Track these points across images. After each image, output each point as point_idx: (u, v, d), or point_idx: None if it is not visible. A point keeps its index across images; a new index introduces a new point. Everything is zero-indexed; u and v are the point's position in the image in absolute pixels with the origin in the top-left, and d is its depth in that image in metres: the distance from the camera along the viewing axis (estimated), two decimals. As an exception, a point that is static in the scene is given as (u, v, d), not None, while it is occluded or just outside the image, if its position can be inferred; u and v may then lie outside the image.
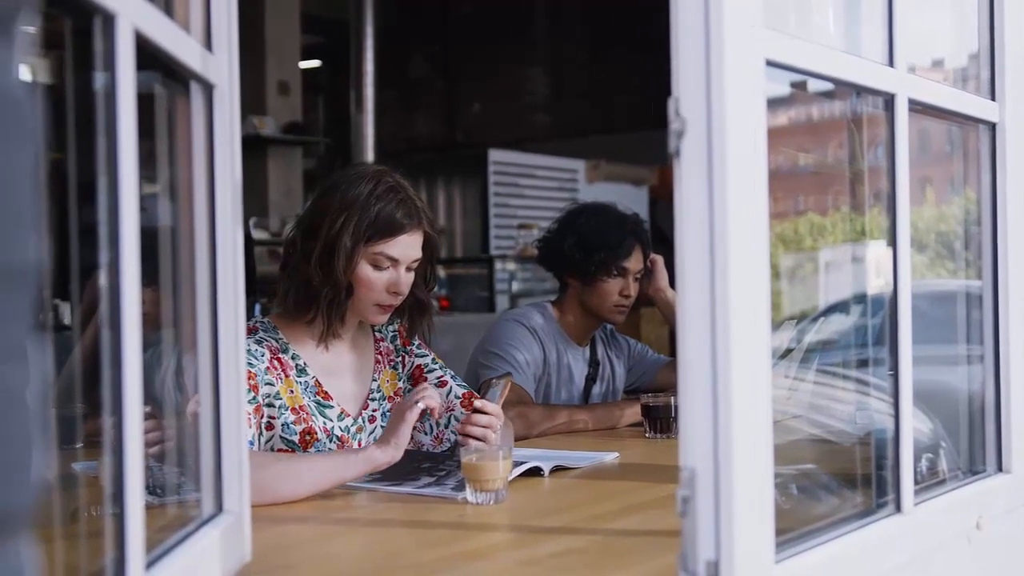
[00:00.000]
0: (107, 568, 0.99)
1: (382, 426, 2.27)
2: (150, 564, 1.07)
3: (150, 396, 1.07)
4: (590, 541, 1.60)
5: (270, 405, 2.10)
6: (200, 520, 1.30)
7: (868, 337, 1.90)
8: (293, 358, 2.19)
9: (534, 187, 8.09)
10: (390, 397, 2.32)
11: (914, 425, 1.54)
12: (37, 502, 0.55)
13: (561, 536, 1.63)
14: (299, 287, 2.16)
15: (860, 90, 1.53)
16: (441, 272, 7.57)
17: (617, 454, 2.33)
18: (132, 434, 1.00)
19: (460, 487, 1.88)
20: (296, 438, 2.13)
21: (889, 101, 1.49)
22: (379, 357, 2.34)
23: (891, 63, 1.49)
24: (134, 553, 1.00)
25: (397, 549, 1.58)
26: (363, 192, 2.13)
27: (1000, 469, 1.78)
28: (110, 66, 0.99)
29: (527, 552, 1.55)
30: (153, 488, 1.30)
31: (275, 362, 2.14)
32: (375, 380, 2.31)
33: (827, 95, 1.70)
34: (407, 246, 2.17)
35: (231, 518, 1.34)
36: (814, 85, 1.53)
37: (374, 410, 2.29)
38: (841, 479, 1.70)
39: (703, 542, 1.15)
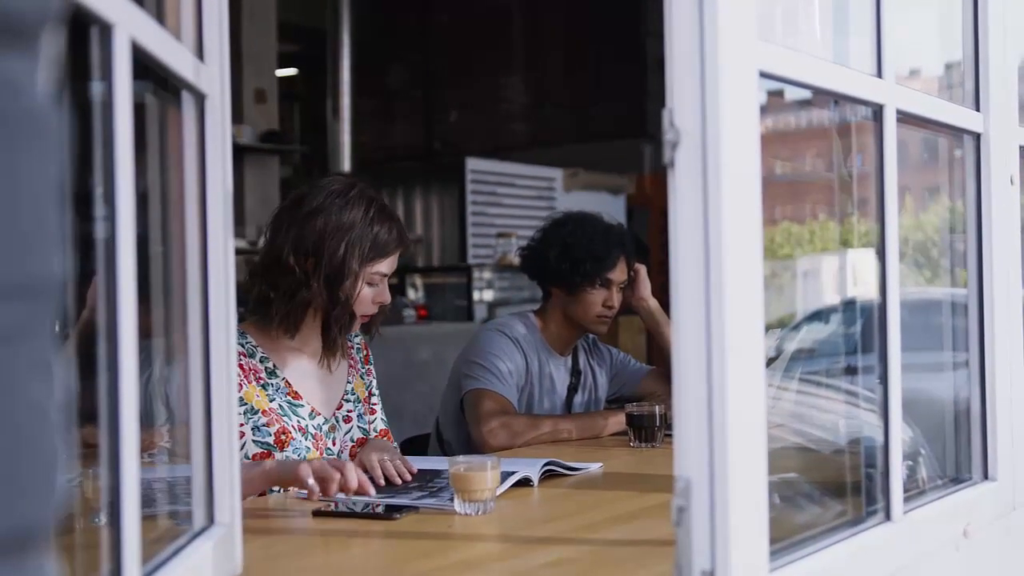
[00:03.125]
0: (103, 582, 0.99)
1: (359, 426, 2.35)
2: (145, 577, 1.06)
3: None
4: (582, 551, 1.60)
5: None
6: (192, 532, 1.29)
7: (849, 345, 1.91)
8: (262, 361, 2.23)
9: (512, 195, 8.08)
10: (364, 400, 2.40)
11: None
12: (59, 517, 0.55)
13: (552, 546, 1.62)
14: (298, 308, 2.21)
15: (850, 101, 1.54)
16: (419, 281, 7.55)
17: (601, 464, 2.33)
18: (128, 447, 0.99)
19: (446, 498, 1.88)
20: (271, 439, 2.17)
21: (878, 112, 1.50)
22: (352, 362, 2.41)
23: (879, 74, 1.50)
24: (130, 566, 0.99)
25: (389, 560, 1.58)
26: (359, 215, 2.21)
27: (986, 477, 1.79)
28: (107, 76, 0.98)
29: (520, 562, 1.54)
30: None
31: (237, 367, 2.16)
32: (349, 382, 2.38)
33: (805, 104, 1.71)
34: (395, 261, 2.29)
35: (223, 530, 1.33)
36: (791, 94, 1.53)
37: (349, 411, 2.36)
38: (829, 488, 1.71)
39: (698, 552, 1.15)
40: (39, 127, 0.54)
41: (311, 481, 1.86)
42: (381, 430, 2.41)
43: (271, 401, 2.19)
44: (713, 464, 1.14)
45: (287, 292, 2.19)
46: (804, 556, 1.31)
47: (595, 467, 2.31)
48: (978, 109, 1.80)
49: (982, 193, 1.80)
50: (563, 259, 2.94)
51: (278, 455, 2.16)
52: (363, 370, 2.44)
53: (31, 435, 0.52)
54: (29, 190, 0.53)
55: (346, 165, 8.85)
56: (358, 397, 2.39)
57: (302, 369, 2.29)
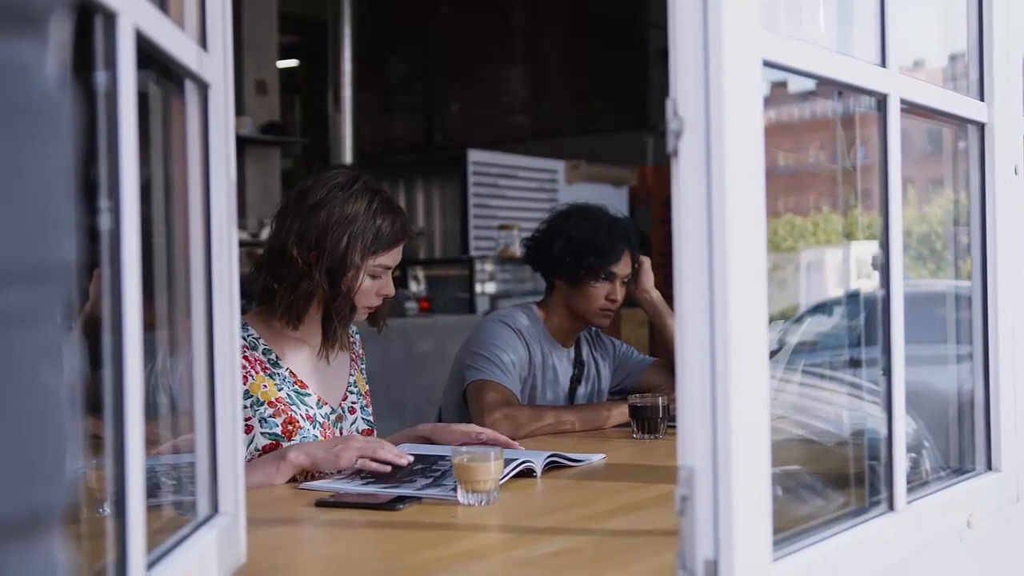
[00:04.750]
0: (108, 570, 0.99)
1: (362, 418, 2.39)
2: (150, 566, 1.06)
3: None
4: (585, 541, 1.60)
5: (242, 407, 2.13)
6: (196, 522, 1.30)
7: (853, 337, 1.91)
8: (264, 353, 2.25)
9: (514, 188, 8.08)
10: (364, 393, 2.43)
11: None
12: (70, 500, 0.55)
13: (555, 536, 1.63)
14: (301, 299, 2.22)
15: (854, 90, 1.53)
16: (421, 273, 7.56)
17: (604, 456, 2.33)
18: (133, 436, 0.99)
19: (451, 488, 1.88)
20: (278, 430, 2.19)
21: (882, 101, 1.50)
22: (353, 356, 2.43)
23: (883, 63, 1.50)
24: (135, 555, 0.99)
25: (392, 550, 1.58)
26: (361, 208, 2.22)
27: (990, 468, 1.79)
28: (111, 65, 0.98)
29: (522, 552, 1.54)
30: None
31: (242, 360, 2.17)
32: (351, 375, 2.40)
33: (808, 95, 1.71)
34: (400, 253, 2.30)
35: (227, 519, 1.33)
36: (795, 85, 1.53)
37: (352, 402, 2.39)
38: (831, 479, 1.71)
39: (702, 541, 1.15)
40: (50, 112, 0.54)
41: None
42: (364, 429, 2.41)
43: (279, 390, 2.21)
44: (716, 453, 1.14)
45: (290, 284, 2.20)
46: (807, 546, 1.31)
47: (597, 458, 2.31)
48: (983, 99, 1.80)
49: (986, 183, 1.80)
50: (567, 251, 2.94)
51: (286, 445, 2.16)
52: (361, 366, 2.47)
53: (42, 419, 0.52)
54: (41, 175, 0.53)
55: (347, 157, 8.85)
56: (360, 391, 2.42)
57: (305, 360, 2.30)
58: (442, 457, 2.13)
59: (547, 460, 2.15)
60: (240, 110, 7.47)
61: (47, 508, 0.53)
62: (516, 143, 8.84)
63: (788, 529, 1.32)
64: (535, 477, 2.07)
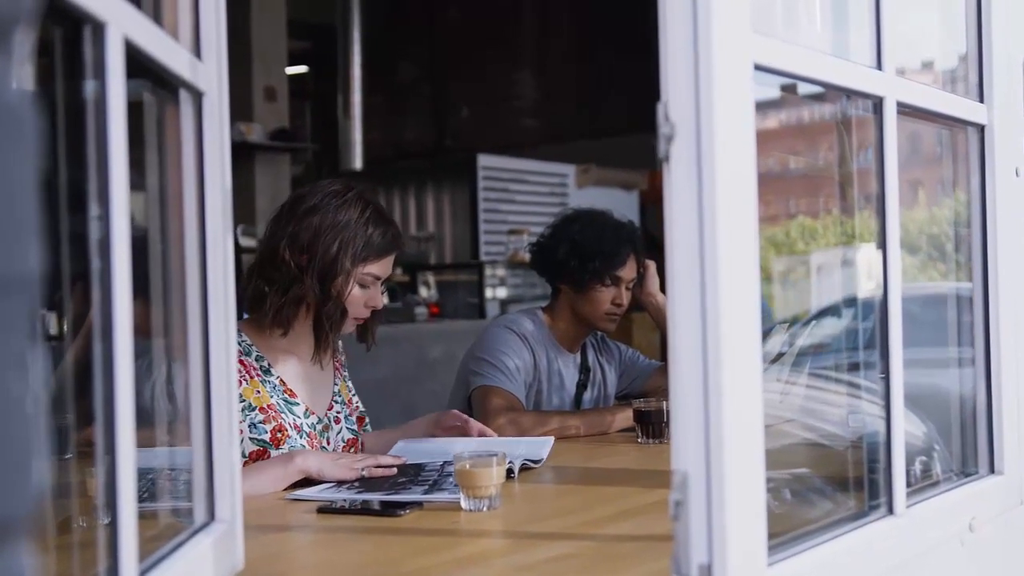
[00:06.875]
0: (100, 578, 0.99)
1: (347, 427, 2.41)
2: (143, 573, 1.07)
3: (140, 406, 1.07)
4: (584, 546, 1.60)
5: None
6: (192, 529, 1.30)
7: (860, 340, 1.91)
8: (257, 359, 2.27)
9: (524, 192, 8.07)
10: (347, 402, 2.45)
11: (907, 429, 1.54)
12: (37, 510, 0.55)
13: (555, 542, 1.62)
14: (291, 303, 2.24)
15: (849, 93, 1.53)
16: (431, 278, 7.55)
17: (551, 439, 2.38)
18: (124, 444, 0.99)
19: (458, 490, 1.88)
20: (267, 436, 2.21)
21: (878, 104, 1.49)
22: (337, 365, 2.46)
23: (879, 66, 1.49)
24: (128, 562, 0.99)
25: (391, 557, 1.58)
26: (354, 216, 2.26)
27: (992, 471, 1.78)
28: (100, 74, 0.99)
29: (522, 558, 1.54)
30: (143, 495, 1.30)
31: (237, 364, 2.19)
32: (336, 384, 2.43)
33: (816, 98, 1.70)
34: (390, 265, 2.33)
35: (223, 527, 1.34)
36: (803, 88, 1.53)
37: (337, 412, 2.41)
38: (834, 482, 1.70)
39: (696, 545, 1.15)
40: (15, 123, 0.54)
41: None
42: (349, 439, 2.43)
43: (271, 397, 2.23)
44: (710, 457, 1.14)
45: (281, 287, 2.23)
46: (803, 550, 1.31)
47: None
48: (982, 100, 1.79)
49: (986, 185, 1.79)
50: (572, 256, 2.94)
51: (274, 453, 2.18)
52: (344, 373, 2.50)
53: (7, 428, 0.52)
54: (5, 186, 0.54)
55: (357, 163, 8.87)
56: (344, 400, 2.44)
57: (294, 369, 2.33)
58: (423, 467, 2.16)
59: (521, 463, 2.18)
60: (249, 116, 7.47)
61: (11, 517, 0.53)
62: (526, 147, 8.83)
63: (786, 533, 1.31)
64: (513, 479, 2.09)
